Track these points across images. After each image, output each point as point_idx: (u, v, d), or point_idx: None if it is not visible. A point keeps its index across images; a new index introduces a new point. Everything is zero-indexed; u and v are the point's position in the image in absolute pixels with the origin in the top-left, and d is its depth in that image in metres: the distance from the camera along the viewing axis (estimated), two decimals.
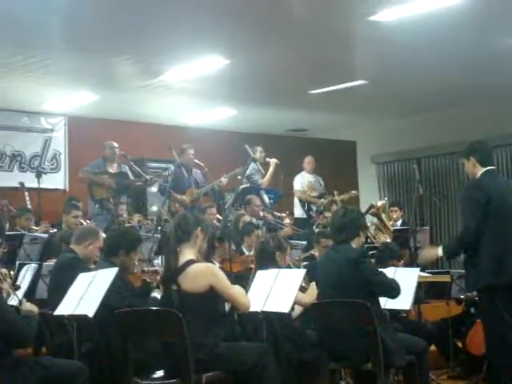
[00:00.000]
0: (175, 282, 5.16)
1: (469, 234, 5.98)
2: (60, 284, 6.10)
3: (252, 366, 5.13)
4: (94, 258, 6.61)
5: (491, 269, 5.90)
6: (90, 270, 6.06)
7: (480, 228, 5.91)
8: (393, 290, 5.83)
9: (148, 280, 6.13)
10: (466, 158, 6.27)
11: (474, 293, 6.60)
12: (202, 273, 5.13)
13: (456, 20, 8.58)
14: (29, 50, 9.50)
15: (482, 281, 5.94)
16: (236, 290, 5.26)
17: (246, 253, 8.18)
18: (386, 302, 6.13)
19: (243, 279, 6.33)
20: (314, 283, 6.19)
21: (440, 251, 6.25)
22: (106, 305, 5.31)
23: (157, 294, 5.90)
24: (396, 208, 11.88)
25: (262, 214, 10.32)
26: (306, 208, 11.90)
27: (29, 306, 5.12)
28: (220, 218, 9.68)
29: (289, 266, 6.61)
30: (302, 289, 6.08)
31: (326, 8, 8.31)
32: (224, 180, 10.53)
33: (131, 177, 10.92)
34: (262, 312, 5.47)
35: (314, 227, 10.71)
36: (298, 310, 6.19)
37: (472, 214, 5.96)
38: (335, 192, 11.50)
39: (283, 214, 10.93)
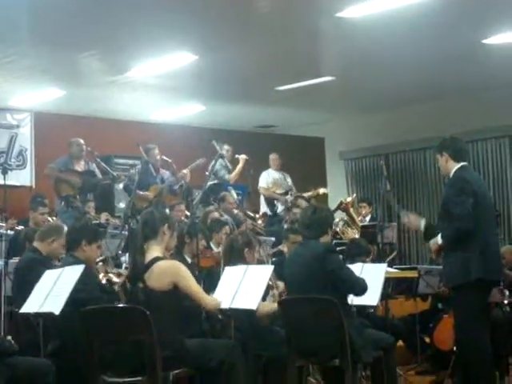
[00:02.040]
0: (141, 279, 5.13)
1: (466, 220, 5.95)
2: (23, 282, 6.09)
3: (220, 362, 5.13)
4: (58, 254, 6.59)
5: (479, 264, 5.94)
6: (53, 267, 6.03)
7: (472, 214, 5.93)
8: (358, 287, 5.85)
9: (114, 279, 6.11)
10: (438, 153, 6.32)
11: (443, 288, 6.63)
12: (166, 270, 5.11)
13: (423, 16, 8.62)
14: None
15: (469, 275, 5.95)
16: (200, 289, 5.25)
17: (215, 249, 8.16)
18: (353, 298, 6.14)
19: (215, 275, 6.31)
20: (281, 282, 6.19)
21: (422, 225, 6.28)
22: (74, 300, 5.28)
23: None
24: (365, 204, 11.96)
25: (235, 212, 10.32)
26: (270, 205, 11.93)
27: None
28: (188, 214, 9.65)
29: (260, 262, 6.62)
30: (269, 286, 6.07)
31: (293, 4, 8.31)
32: (186, 171, 10.52)
33: (98, 174, 10.85)
34: (230, 309, 5.46)
35: (283, 223, 10.73)
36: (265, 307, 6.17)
37: (462, 203, 5.95)
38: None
39: (257, 215, 10.94)
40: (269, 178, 12.04)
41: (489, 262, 5.99)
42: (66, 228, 6.89)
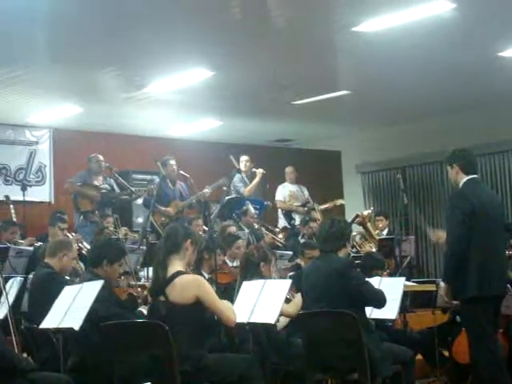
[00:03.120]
0: (163, 293, 5.17)
1: (457, 241, 5.98)
2: (38, 299, 6.12)
3: (238, 377, 5.14)
4: (69, 269, 6.65)
5: (475, 281, 5.93)
6: (66, 282, 6.07)
7: (467, 234, 5.93)
8: (379, 300, 5.86)
9: (135, 294, 6.14)
10: (449, 165, 6.31)
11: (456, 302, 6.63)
12: (189, 284, 5.14)
13: (438, 30, 8.63)
14: (13, 63, 9.47)
15: (465, 292, 5.97)
16: (223, 304, 5.27)
17: (229, 264, 8.19)
18: (372, 312, 6.15)
19: (232, 291, 6.34)
20: (299, 294, 6.20)
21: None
22: (93, 316, 5.31)
23: (143, 310, 5.91)
24: (382, 217, 11.93)
25: (256, 226, 10.36)
26: (288, 218, 11.94)
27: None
28: (206, 229, 9.69)
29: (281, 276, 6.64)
30: (287, 300, 6.09)
31: (308, 19, 8.34)
32: (207, 191, 10.57)
33: (117, 190, 10.92)
34: (249, 323, 5.48)
35: (300, 237, 10.74)
36: (284, 320, 6.20)
37: (457, 222, 5.98)
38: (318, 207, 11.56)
39: (277, 229, 10.96)
40: (285, 192, 12.07)
41: (486, 277, 5.94)
42: (85, 243, 6.95)
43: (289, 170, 12.29)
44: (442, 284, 6.12)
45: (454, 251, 6.01)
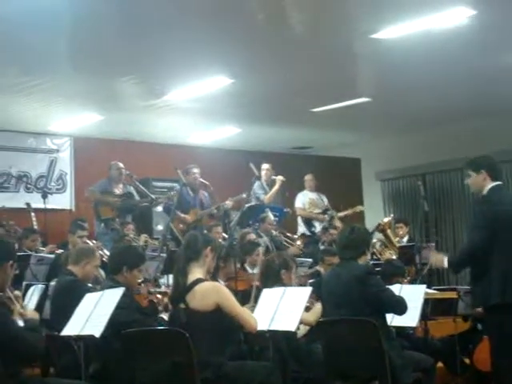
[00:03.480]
0: (183, 300, 5.18)
1: (474, 247, 5.98)
2: (61, 306, 6.14)
3: None
4: (92, 276, 6.66)
5: (498, 288, 5.90)
6: (89, 289, 6.09)
7: (486, 242, 5.90)
8: (400, 307, 5.84)
9: (155, 301, 6.16)
10: (475, 171, 6.22)
11: (479, 309, 6.57)
12: (209, 291, 5.15)
13: (457, 37, 8.61)
14: (34, 72, 9.55)
15: (488, 300, 5.94)
16: (243, 310, 5.28)
17: (249, 271, 8.19)
18: (392, 319, 6.13)
19: (249, 297, 6.34)
20: (319, 303, 6.20)
21: (446, 262, 6.26)
22: (114, 322, 5.32)
23: (164, 316, 5.93)
24: (402, 224, 11.89)
25: (274, 233, 10.36)
26: (308, 225, 11.93)
27: (30, 313, 5.11)
28: (225, 236, 9.70)
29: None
30: (307, 308, 6.08)
31: (327, 27, 8.35)
32: (229, 203, 10.59)
33: (137, 197, 10.96)
34: (269, 331, 5.47)
35: (320, 244, 10.73)
36: (304, 328, 6.19)
37: (478, 228, 5.97)
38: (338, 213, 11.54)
39: (295, 236, 10.95)
40: (305, 199, 12.05)
41: (510, 285, 5.90)
42: (106, 251, 6.98)
43: (308, 177, 12.28)
44: (446, 261, 6.10)
45: (468, 253, 6.01)
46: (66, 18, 7.73)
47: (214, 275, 6.70)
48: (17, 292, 5.32)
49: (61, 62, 9.18)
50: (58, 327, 5.72)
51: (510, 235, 5.98)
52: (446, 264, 6.35)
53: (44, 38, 8.22)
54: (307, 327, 6.16)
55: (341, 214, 11.80)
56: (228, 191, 10.84)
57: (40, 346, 4.83)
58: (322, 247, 10.18)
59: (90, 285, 6.61)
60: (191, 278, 5.22)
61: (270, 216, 10.55)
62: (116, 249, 6.75)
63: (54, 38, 8.31)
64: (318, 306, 6.12)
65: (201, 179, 10.97)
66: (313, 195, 12.10)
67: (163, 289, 7.50)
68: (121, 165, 10.90)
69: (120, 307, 5.43)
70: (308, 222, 12.01)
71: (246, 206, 10.25)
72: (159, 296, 6.25)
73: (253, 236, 9.60)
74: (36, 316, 5.11)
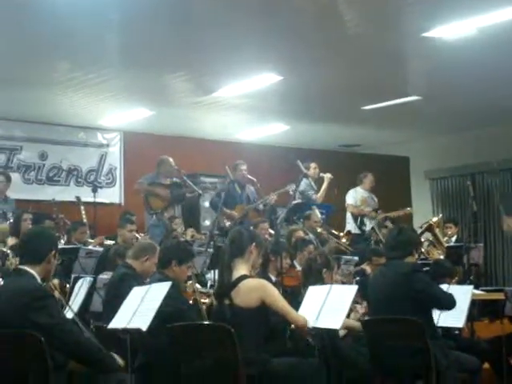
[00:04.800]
0: (228, 296, 5.21)
1: None
2: (115, 297, 6.18)
3: (304, 382, 5.14)
4: (151, 273, 6.68)
5: None
6: (144, 284, 6.13)
7: None
8: (448, 302, 5.81)
9: (199, 300, 6.20)
10: None
11: None
12: (253, 288, 5.17)
13: (509, 37, 8.52)
14: (86, 67, 9.65)
15: None
16: (288, 306, 5.29)
17: (298, 268, 8.19)
18: (438, 320, 6.10)
19: (299, 294, 6.34)
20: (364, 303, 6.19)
21: None
22: (162, 313, 5.36)
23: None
24: (451, 224, 11.78)
25: (319, 230, 10.33)
26: (359, 223, 11.86)
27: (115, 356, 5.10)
28: (272, 232, 9.71)
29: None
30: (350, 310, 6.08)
31: (379, 25, 8.32)
32: (273, 197, 10.60)
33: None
34: (314, 328, 5.48)
35: (370, 242, 10.68)
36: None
37: None
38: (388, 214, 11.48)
39: (341, 234, 10.92)
40: (357, 196, 11.98)
41: None
42: (155, 244, 7.02)
43: (370, 177, 12.13)
44: None
45: None
46: (118, 13, 7.81)
47: (264, 270, 6.74)
48: (55, 280, 5.38)
49: (112, 57, 9.29)
50: (111, 318, 5.77)
51: None
52: None
53: (95, 33, 8.31)
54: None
55: (390, 215, 11.71)
56: (275, 188, 10.84)
57: (95, 356, 4.84)
58: (372, 246, 10.13)
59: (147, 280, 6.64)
60: (236, 274, 5.24)
61: (316, 213, 10.52)
62: (166, 244, 6.79)
63: (105, 34, 8.41)
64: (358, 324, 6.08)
65: (248, 175, 11.00)
66: (365, 193, 12.02)
67: (208, 286, 7.56)
68: (171, 160, 10.95)
69: (168, 298, 5.48)
70: (358, 220, 11.93)
71: (293, 202, 10.25)
72: (203, 300, 6.25)
73: (301, 233, 9.59)
74: (119, 361, 5.08)
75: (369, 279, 7.12)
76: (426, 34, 8.51)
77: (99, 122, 12.88)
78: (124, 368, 5.08)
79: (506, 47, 8.97)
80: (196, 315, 5.95)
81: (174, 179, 10.97)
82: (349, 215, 11.97)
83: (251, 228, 9.02)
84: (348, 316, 6.11)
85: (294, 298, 6.22)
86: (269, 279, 6.46)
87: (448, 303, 5.83)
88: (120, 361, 5.03)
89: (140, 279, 6.47)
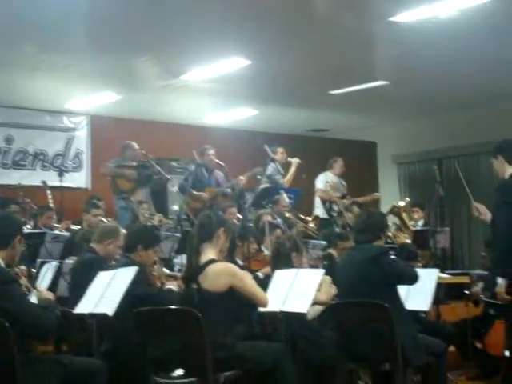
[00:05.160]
0: (196, 280, 5.20)
1: (510, 240, 5.96)
2: (80, 282, 6.17)
3: (270, 365, 5.17)
4: (114, 256, 6.69)
5: None
6: (109, 268, 6.12)
7: None
8: (410, 276, 5.86)
9: (167, 284, 6.19)
10: (494, 156, 6.33)
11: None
12: (221, 272, 5.17)
13: (476, 21, 8.57)
14: (52, 50, 9.56)
15: None
16: (256, 287, 5.29)
17: (266, 252, 8.21)
18: (405, 304, 6.14)
19: (267, 278, 6.34)
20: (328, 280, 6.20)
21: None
22: (129, 296, 5.35)
23: (173, 287, 5.97)
24: (417, 209, 11.87)
25: (287, 215, 10.35)
26: (328, 207, 11.88)
27: (45, 294, 5.15)
28: (240, 217, 9.72)
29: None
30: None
31: (346, 9, 8.32)
32: (242, 179, 10.60)
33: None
34: (281, 312, 5.49)
35: (335, 227, 10.72)
36: (317, 308, 6.19)
37: (508, 218, 5.95)
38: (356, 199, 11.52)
39: (309, 218, 10.93)
40: (327, 181, 11.99)
41: None
42: (122, 229, 7.00)
43: (340, 162, 12.14)
44: (501, 281, 6.04)
45: (508, 241, 5.96)
46: None
47: (231, 255, 6.74)
48: (22, 267, 5.36)
49: (78, 40, 9.17)
50: (77, 302, 5.75)
51: None
52: (489, 219, 6.37)
53: (62, 15, 8.22)
54: (317, 309, 6.15)
55: (358, 200, 11.75)
56: (243, 172, 10.84)
57: (52, 326, 4.84)
58: (336, 230, 10.16)
59: (112, 263, 6.63)
60: (204, 258, 5.23)
61: (284, 198, 10.53)
62: (132, 228, 6.78)
63: (71, 17, 8.30)
64: (327, 283, 6.10)
65: (216, 160, 10.97)
66: (335, 178, 12.04)
67: (176, 271, 7.55)
68: (135, 145, 10.89)
69: (135, 282, 5.47)
70: (327, 204, 11.94)
71: (261, 187, 10.25)
72: (169, 285, 6.25)
73: (269, 217, 9.60)
74: (50, 296, 5.14)
75: (336, 263, 7.16)
76: (392, 19, 8.53)
77: (66, 105, 12.79)
78: None
79: (472, 32, 9.02)
80: (163, 299, 5.94)
81: (140, 162, 10.92)
82: (318, 200, 11.98)
83: (220, 213, 9.04)
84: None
85: (266, 282, 6.24)
86: (236, 263, 6.45)
87: (410, 278, 5.87)
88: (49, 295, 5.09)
89: (105, 263, 6.46)
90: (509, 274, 5.97)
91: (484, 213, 6.59)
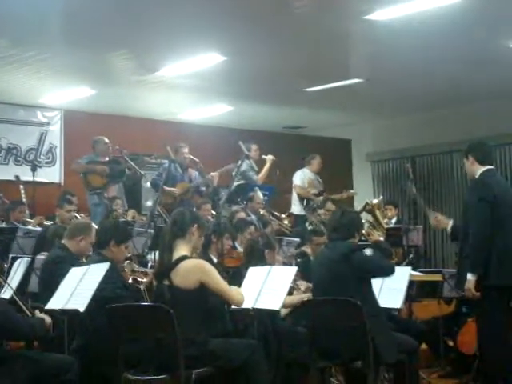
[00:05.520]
0: (167, 277, 5.18)
1: (484, 227, 5.98)
2: (50, 279, 6.13)
3: (242, 362, 5.15)
4: (86, 253, 6.64)
5: (496, 270, 5.94)
6: (80, 264, 6.08)
7: (491, 227, 5.95)
8: (385, 268, 5.88)
9: (139, 279, 6.16)
10: (465, 156, 6.37)
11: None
12: (192, 269, 5.15)
13: (451, 19, 8.61)
14: (26, 44, 9.49)
15: (486, 280, 5.96)
16: (227, 286, 5.28)
17: (240, 249, 8.20)
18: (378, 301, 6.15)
19: (240, 275, 6.34)
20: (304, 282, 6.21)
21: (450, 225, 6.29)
22: (99, 297, 5.33)
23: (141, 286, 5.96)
24: (391, 206, 11.93)
25: (261, 212, 10.34)
26: (305, 204, 11.89)
27: (40, 315, 5.12)
28: (214, 213, 9.70)
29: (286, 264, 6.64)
30: (292, 288, 6.10)
31: (321, 7, 8.32)
32: (214, 174, 10.57)
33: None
34: (253, 309, 5.49)
35: (307, 224, 10.72)
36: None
37: (482, 209, 5.99)
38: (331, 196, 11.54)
39: (283, 215, 10.93)
40: (305, 178, 12.00)
41: (507, 267, 5.98)
42: (94, 225, 6.96)
43: (318, 159, 12.15)
44: (470, 276, 6.05)
45: (482, 238, 5.99)
46: None
47: (205, 251, 6.72)
48: None
49: (52, 34, 9.11)
50: (46, 300, 5.71)
51: (502, 219, 6.03)
52: (449, 228, 6.40)
53: (35, 9, 8.16)
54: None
55: (333, 197, 11.77)
56: (217, 169, 10.81)
57: (25, 330, 4.84)
58: (309, 227, 10.16)
59: (84, 260, 6.59)
60: (176, 254, 5.21)
61: (259, 195, 10.53)
62: (103, 224, 6.74)
63: (45, 10, 8.24)
64: (304, 290, 6.12)
65: (191, 156, 10.93)
66: (312, 175, 12.06)
67: (149, 267, 7.51)
68: (106, 139, 10.81)
69: (105, 282, 5.43)
70: (303, 202, 11.95)
71: (235, 184, 10.23)
72: (140, 279, 6.23)
73: (243, 214, 9.60)
74: (47, 318, 5.10)
75: (310, 261, 7.16)
76: (367, 17, 8.55)
77: (39, 100, 12.70)
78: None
79: (446, 30, 9.06)
80: (135, 295, 5.92)
81: (113, 157, 10.86)
82: (295, 196, 11.98)
83: (194, 209, 9.02)
84: (290, 294, 6.15)
85: (236, 279, 6.23)
86: (210, 260, 6.45)
87: (386, 270, 5.90)
88: (47, 319, 5.08)
89: (75, 260, 6.42)
90: (480, 271, 6.00)
91: (442, 221, 6.64)
